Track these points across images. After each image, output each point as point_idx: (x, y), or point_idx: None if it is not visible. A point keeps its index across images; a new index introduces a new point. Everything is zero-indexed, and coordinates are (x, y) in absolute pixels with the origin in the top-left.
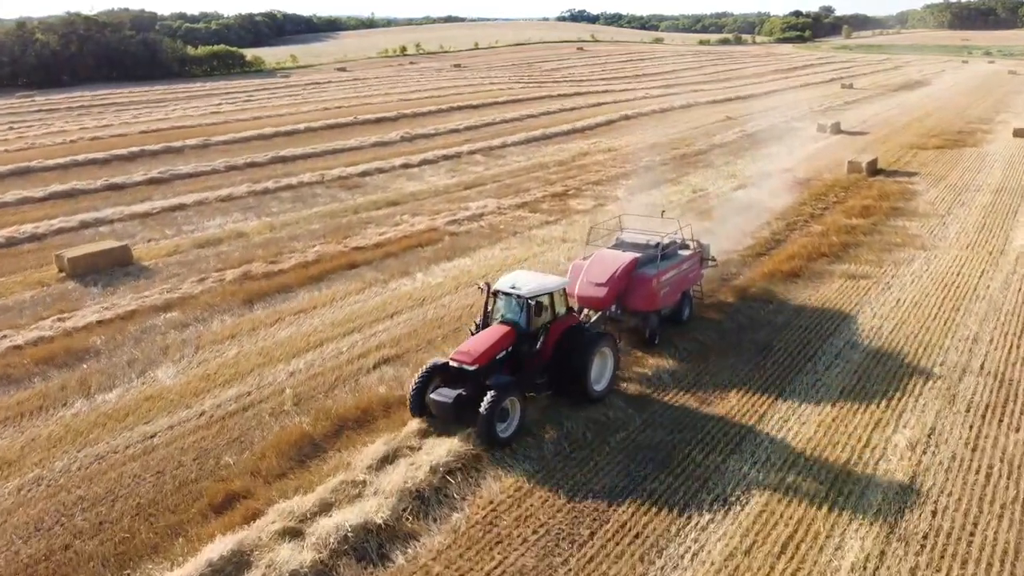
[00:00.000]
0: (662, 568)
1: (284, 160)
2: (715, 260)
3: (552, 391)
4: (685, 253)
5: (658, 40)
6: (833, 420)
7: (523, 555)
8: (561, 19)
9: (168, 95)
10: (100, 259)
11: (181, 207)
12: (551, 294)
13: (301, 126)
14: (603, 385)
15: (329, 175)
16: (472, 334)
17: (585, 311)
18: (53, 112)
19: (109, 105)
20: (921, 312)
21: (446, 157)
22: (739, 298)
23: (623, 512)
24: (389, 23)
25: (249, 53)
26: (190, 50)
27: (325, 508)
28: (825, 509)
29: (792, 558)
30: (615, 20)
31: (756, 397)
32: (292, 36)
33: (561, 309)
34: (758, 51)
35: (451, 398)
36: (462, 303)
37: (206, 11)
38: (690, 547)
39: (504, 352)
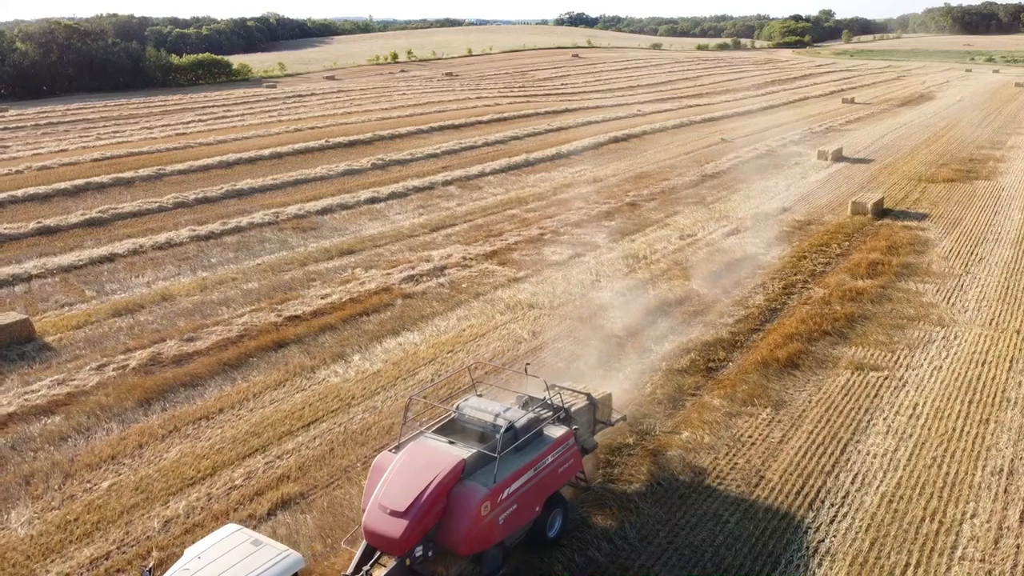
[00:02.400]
0: None
1: (240, 194)
2: (622, 416)
3: None
4: (555, 434)
5: (656, 46)
6: None
7: None
8: (560, 22)
9: (142, 109)
10: None
11: (111, 258)
12: None
13: (266, 151)
14: None
15: (285, 214)
16: None
17: (375, 559)
18: (17, 131)
19: (79, 121)
20: (943, 427)
21: (418, 189)
22: (726, 401)
23: None
24: (386, 26)
25: (237, 60)
26: (174, 59)
27: None
28: None
29: None
30: (614, 23)
31: (746, 569)
32: (285, 41)
33: None
34: (758, 57)
35: None
36: (396, 405)
37: (198, 16)
38: None
39: None
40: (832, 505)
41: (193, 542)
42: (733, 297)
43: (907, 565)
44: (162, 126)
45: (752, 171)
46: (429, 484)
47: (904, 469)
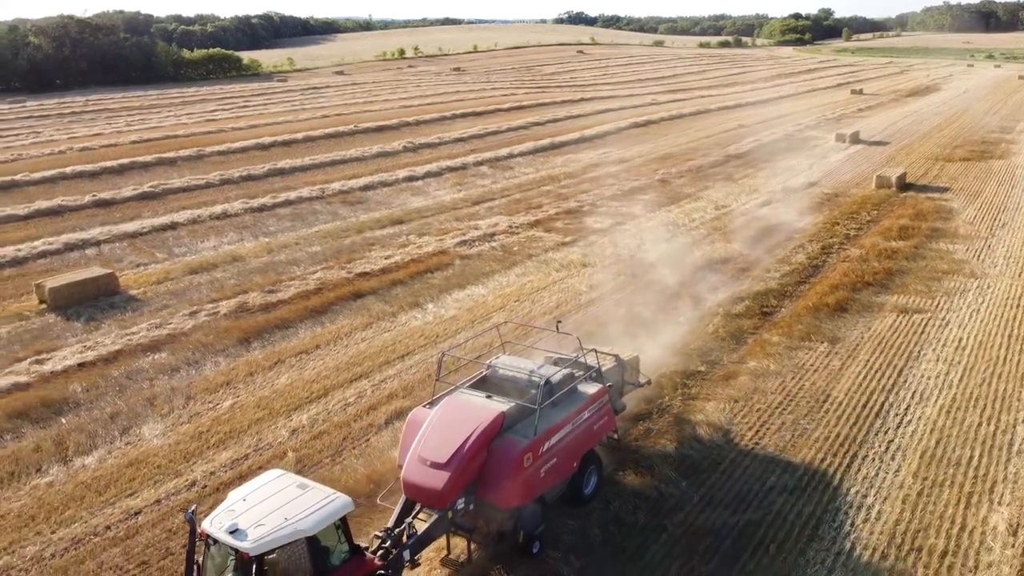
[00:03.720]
0: None
1: (282, 173)
2: (648, 380)
3: None
4: (589, 391)
5: (658, 43)
6: (918, 495)
7: None
8: (559, 21)
9: (162, 100)
10: (84, 289)
11: (173, 226)
12: (309, 541)
13: (299, 135)
14: None
15: (330, 189)
16: None
17: (415, 512)
18: (43, 119)
19: (101, 111)
20: (988, 355)
21: (451, 168)
22: (785, 338)
23: None
24: (387, 25)
25: (246, 56)
26: (185, 53)
27: None
28: None
29: None
30: (613, 22)
31: (827, 462)
32: (289, 39)
33: (340, 551)
34: (760, 54)
35: None
36: (480, 341)
37: (202, 13)
38: None
39: None
40: (896, 415)
41: (320, 449)
42: (775, 256)
43: (970, 458)
44: (186, 114)
45: (774, 152)
46: (470, 436)
47: (957, 387)
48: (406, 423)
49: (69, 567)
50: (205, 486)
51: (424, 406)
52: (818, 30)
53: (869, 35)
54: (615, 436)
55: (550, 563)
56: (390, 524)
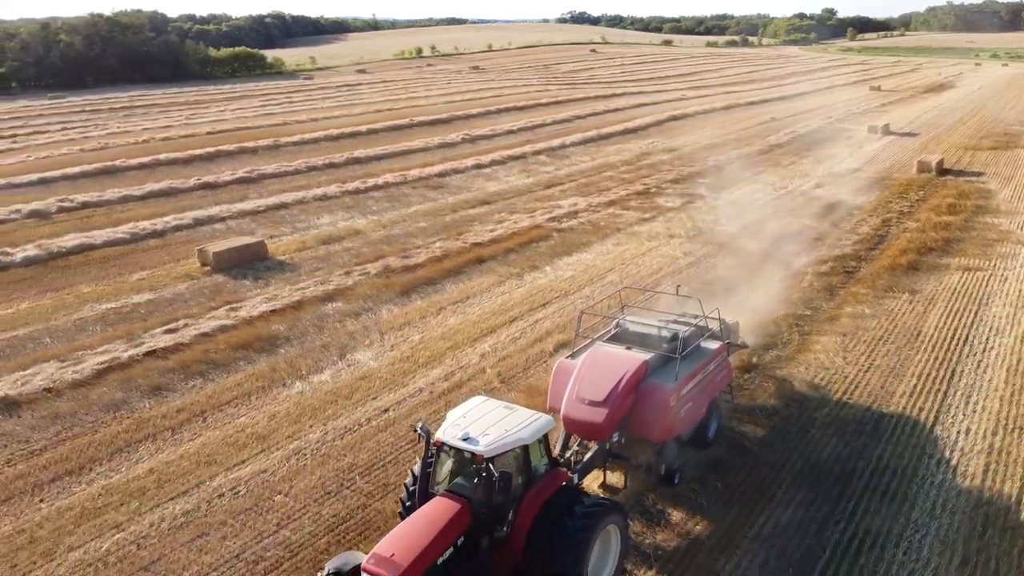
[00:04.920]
0: None
1: (359, 161)
2: (745, 344)
3: None
4: (711, 346)
5: (667, 42)
6: (1011, 396)
7: None
8: (562, 21)
9: (204, 97)
10: (240, 254)
11: (284, 205)
12: (526, 447)
13: (363, 128)
14: None
15: (410, 176)
16: (402, 512)
17: (574, 444)
18: (97, 113)
19: (150, 106)
20: None
21: (512, 158)
22: (871, 290)
23: None
24: (393, 24)
25: (269, 55)
26: (212, 51)
27: None
28: None
29: None
30: (616, 22)
31: (932, 375)
32: (300, 38)
33: (542, 464)
34: (768, 53)
35: None
36: (602, 292)
37: (215, 12)
38: None
39: (452, 549)
40: (980, 343)
41: (509, 367)
42: (842, 228)
43: None
44: (237, 108)
45: (812, 142)
46: (621, 379)
47: None
48: (554, 371)
49: (352, 446)
50: (429, 393)
51: (567, 357)
52: (821, 29)
53: (873, 35)
54: (728, 391)
55: (689, 492)
56: (555, 454)
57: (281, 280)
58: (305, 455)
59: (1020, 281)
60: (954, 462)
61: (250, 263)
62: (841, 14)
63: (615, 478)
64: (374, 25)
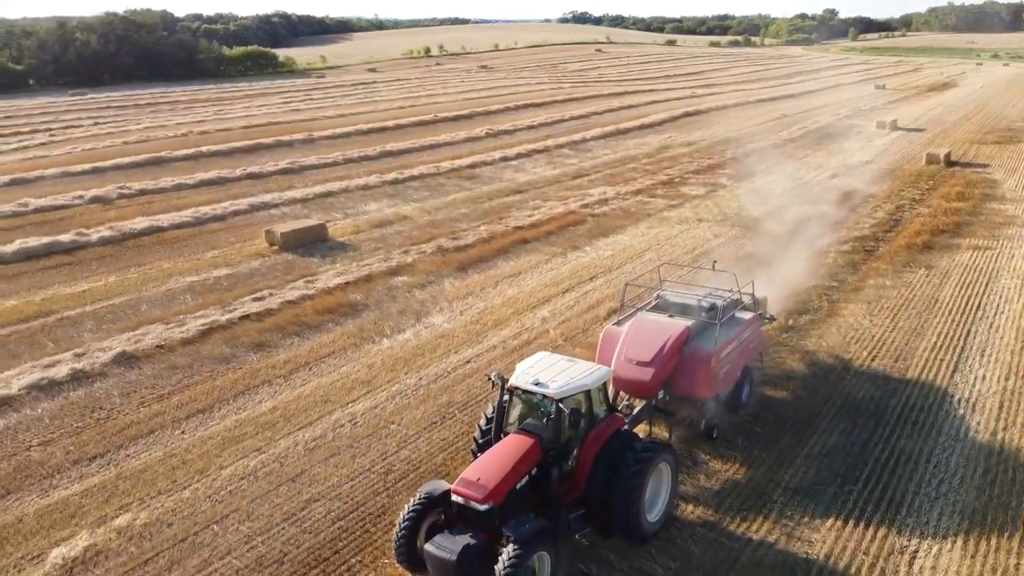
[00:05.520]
0: None
1: (392, 154)
2: (773, 317)
3: (590, 529)
4: (745, 316)
5: (671, 42)
6: (1021, 350)
7: None
8: (564, 21)
9: (224, 94)
10: (304, 235)
11: (330, 194)
12: (588, 391)
13: (390, 123)
14: (658, 514)
15: (442, 167)
16: (475, 451)
17: (622, 402)
18: (124, 109)
19: (174, 103)
20: None
21: (536, 151)
22: (890, 266)
23: None
24: (396, 24)
25: (281, 54)
26: (226, 51)
27: None
28: None
29: None
30: (618, 22)
31: (950, 334)
32: (306, 37)
33: (601, 409)
34: (772, 53)
35: (455, 553)
36: (643, 269)
37: (220, 12)
38: None
39: (526, 478)
40: (991, 309)
41: (569, 329)
42: (859, 214)
43: None
44: (262, 105)
45: (823, 137)
46: (666, 342)
47: None
48: (602, 337)
49: (448, 387)
50: (503, 349)
51: (613, 325)
52: (823, 30)
53: (875, 35)
54: (760, 358)
55: (746, 423)
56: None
57: (346, 258)
58: (407, 395)
59: None
60: (973, 400)
61: (313, 243)
62: (842, 15)
63: (660, 432)
64: (378, 25)
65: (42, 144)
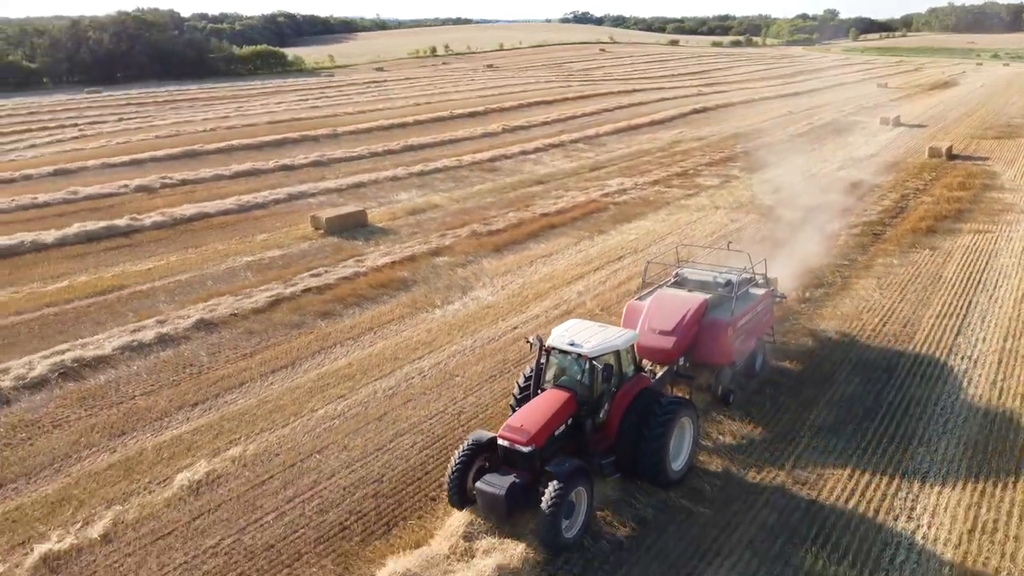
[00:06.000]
0: None
1: (414, 148)
2: (784, 296)
3: (620, 474)
4: (759, 292)
5: (673, 42)
6: (1017, 318)
7: None
8: (565, 21)
9: (240, 92)
10: (346, 220)
11: (362, 184)
12: (618, 352)
13: (409, 119)
14: (682, 463)
15: (464, 160)
16: (514, 406)
17: (648, 366)
18: (143, 106)
19: (192, 100)
20: None
21: (553, 145)
22: (897, 247)
23: None
24: (399, 24)
25: (289, 53)
26: (236, 50)
27: None
28: None
29: None
30: (620, 22)
31: (954, 304)
32: (311, 36)
33: (630, 369)
34: (773, 53)
35: (503, 489)
36: (665, 249)
37: (225, 12)
38: None
39: (563, 426)
40: (991, 283)
41: (603, 301)
42: (867, 201)
43: None
44: (277, 103)
45: (829, 132)
46: (686, 314)
47: None
48: (625, 311)
49: (501, 348)
50: (545, 318)
51: (636, 299)
52: (823, 30)
53: (876, 35)
54: (770, 332)
55: (774, 376)
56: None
57: (388, 240)
58: (465, 354)
59: (1022, 238)
60: (974, 357)
61: (354, 228)
62: (843, 15)
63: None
64: (381, 25)
65: (74, 138)
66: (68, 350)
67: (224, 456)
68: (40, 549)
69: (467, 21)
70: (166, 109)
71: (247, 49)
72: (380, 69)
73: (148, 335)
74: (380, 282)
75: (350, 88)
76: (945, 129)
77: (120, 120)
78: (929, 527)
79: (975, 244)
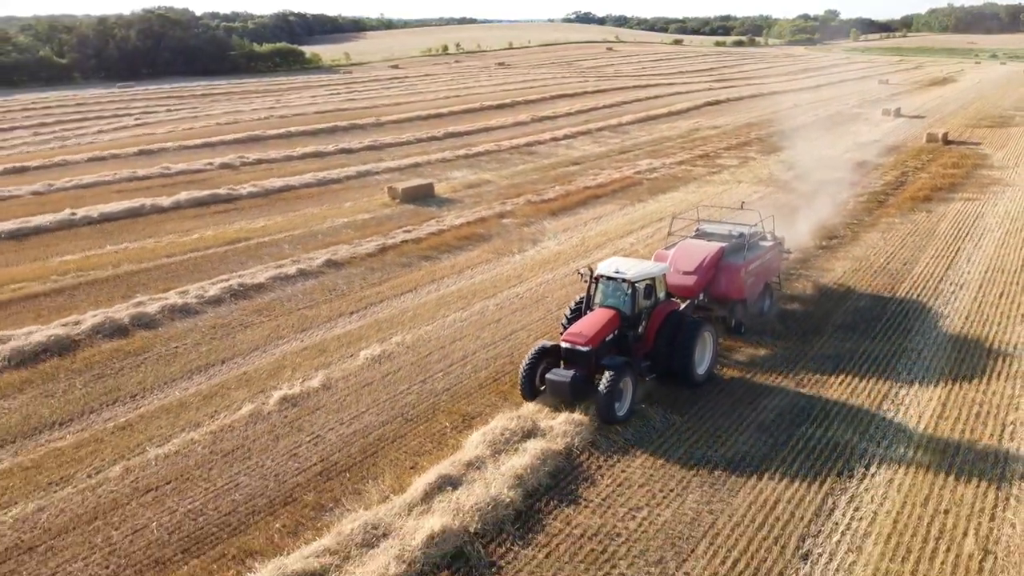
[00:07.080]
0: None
1: (454, 135)
2: (790, 251)
3: (656, 375)
4: (767, 244)
5: (677, 41)
6: (995, 258)
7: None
8: (567, 21)
9: (271, 87)
10: (417, 191)
11: (417, 165)
12: (653, 279)
13: (444, 110)
14: (705, 369)
15: (503, 146)
16: (565, 323)
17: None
18: (181, 100)
19: (224, 94)
20: (1019, 220)
21: (580, 133)
22: (898, 211)
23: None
24: (405, 24)
25: (307, 50)
26: (256, 47)
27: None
28: None
29: None
30: (622, 22)
31: (946, 250)
32: (321, 35)
33: (662, 294)
34: (776, 52)
35: (568, 377)
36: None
37: (236, 10)
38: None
39: (611, 335)
40: (977, 235)
41: (652, 250)
42: (871, 177)
43: (1019, 256)
44: (315, 95)
45: (836, 122)
46: (705, 257)
47: (1009, 228)
48: (654, 257)
49: (572, 283)
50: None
51: (663, 249)
52: (824, 30)
53: (876, 35)
54: (777, 281)
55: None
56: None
57: (456, 207)
58: (548, 284)
59: (1005, 205)
60: (961, 282)
61: (424, 198)
62: (844, 15)
63: None
64: (387, 24)
65: (137, 125)
66: (229, 279)
67: (389, 342)
68: (277, 394)
69: (472, 21)
70: (207, 101)
71: (267, 46)
72: (396, 67)
73: (290, 270)
74: (463, 236)
75: (374, 83)
76: (942, 119)
77: (167, 111)
78: (912, 402)
79: (965, 209)
